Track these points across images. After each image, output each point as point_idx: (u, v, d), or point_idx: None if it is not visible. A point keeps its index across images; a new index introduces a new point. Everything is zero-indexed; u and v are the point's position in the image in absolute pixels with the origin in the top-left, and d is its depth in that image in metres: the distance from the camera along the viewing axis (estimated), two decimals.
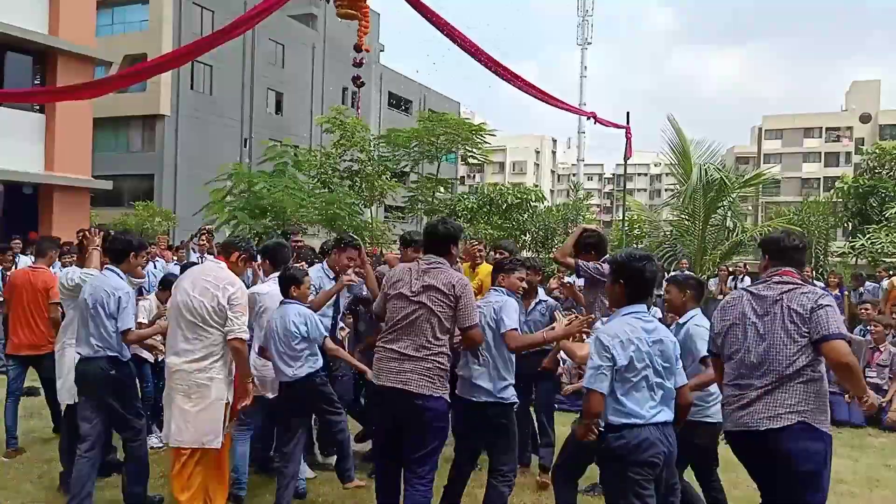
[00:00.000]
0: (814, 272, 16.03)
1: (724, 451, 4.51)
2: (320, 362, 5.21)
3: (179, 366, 4.68)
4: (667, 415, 3.74)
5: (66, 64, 18.68)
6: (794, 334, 3.79)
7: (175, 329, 4.77)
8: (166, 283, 6.45)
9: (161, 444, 6.31)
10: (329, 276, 5.84)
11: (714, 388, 4.55)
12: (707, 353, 4.34)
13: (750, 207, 23.96)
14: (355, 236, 6.30)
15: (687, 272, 14.00)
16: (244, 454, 5.48)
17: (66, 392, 5.52)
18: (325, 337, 5.30)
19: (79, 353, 4.99)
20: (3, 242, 12.07)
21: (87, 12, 19.66)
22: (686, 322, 4.78)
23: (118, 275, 5.02)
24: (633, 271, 3.85)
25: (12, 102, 17.24)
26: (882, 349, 9.03)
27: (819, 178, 72.10)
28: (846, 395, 4.59)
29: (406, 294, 4.38)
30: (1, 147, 17.39)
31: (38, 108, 18.56)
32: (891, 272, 13.87)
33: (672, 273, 5.39)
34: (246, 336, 4.75)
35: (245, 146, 37.51)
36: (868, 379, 8.89)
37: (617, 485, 3.71)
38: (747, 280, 14.31)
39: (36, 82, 18.65)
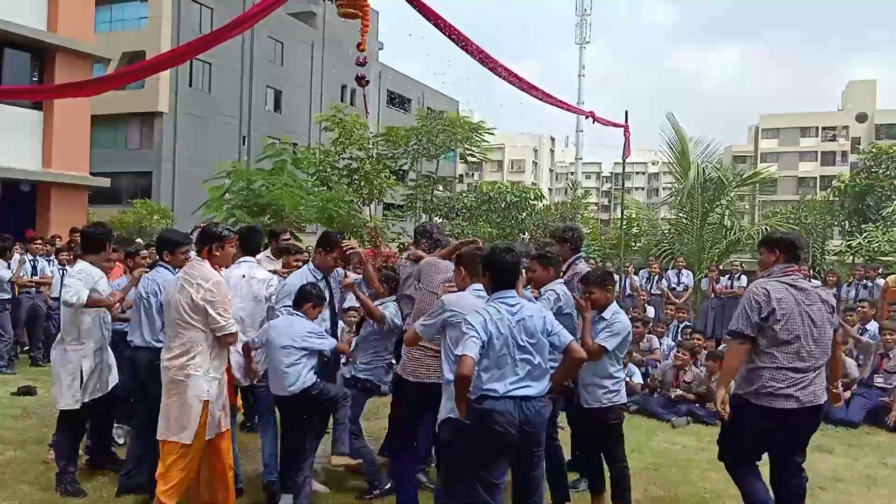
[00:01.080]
0: (811, 271, 16.06)
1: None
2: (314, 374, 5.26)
3: (164, 362, 4.78)
4: (531, 390, 4.10)
5: (65, 61, 18.67)
6: (830, 323, 4.63)
7: (166, 326, 4.90)
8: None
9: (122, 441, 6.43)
10: (317, 277, 5.60)
11: (620, 374, 5.28)
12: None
13: (747, 206, 23.99)
14: (341, 232, 6.23)
15: (685, 271, 14.11)
16: (271, 453, 5.54)
17: (71, 397, 5.50)
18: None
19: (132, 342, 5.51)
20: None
21: (85, 9, 19.65)
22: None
23: (169, 270, 5.43)
24: (496, 263, 4.31)
25: (10, 99, 17.24)
26: (892, 355, 9.02)
27: (816, 178, 72.26)
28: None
29: None
30: None
31: (36, 104, 18.55)
32: (881, 270, 13.87)
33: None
34: (234, 329, 4.77)
35: (244, 144, 37.49)
36: (877, 384, 8.94)
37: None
38: (744, 279, 14.33)
39: (34, 79, 18.64)
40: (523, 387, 4.08)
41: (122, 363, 5.81)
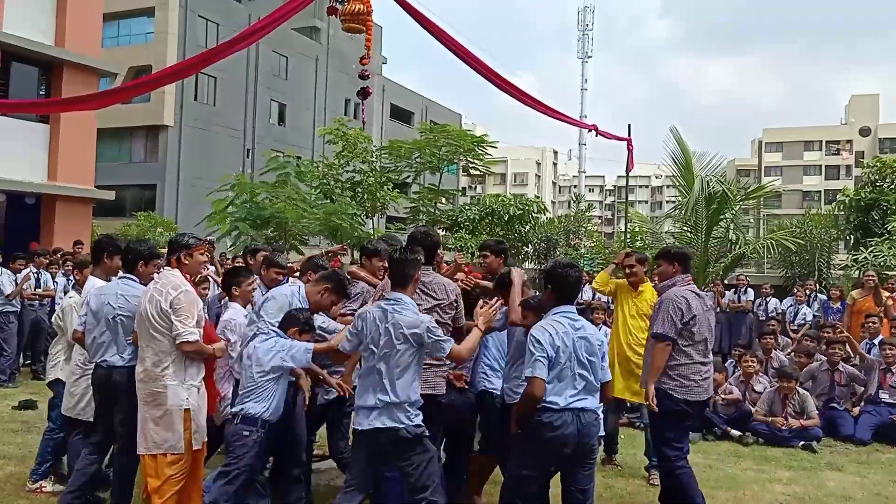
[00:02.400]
0: (817, 285, 15.97)
1: None
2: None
3: (139, 374, 4.74)
4: (588, 402, 4.30)
5: (72, 75, 18.74)
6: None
7: (139, 339, 4.83)
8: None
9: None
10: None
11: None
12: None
13: (752, 220, 23.92)
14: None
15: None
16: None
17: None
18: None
19: None
20: (7, 252, 12.06)
21: (93, 24, 19.75)
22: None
23: (135, 282, 5.26)
24: (559, 278, 4.48)
25: (18, 113, 17.29)
26: (895, 370, 8.97)
27: (820, 191, 72.30)
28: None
29: None
30: (4, 156, 17.41)
31: (42, 118, 18.61)
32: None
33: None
34: (194, 338, 4.64)
35: (248, 157, 37.58)
36: (882, 400, 8.87)
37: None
38: (750, 292, 14.28)
39: (41, 92, 18.70)
40: (580, 399, 4.29)
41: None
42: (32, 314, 11.15)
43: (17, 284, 10.74)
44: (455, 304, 5.08)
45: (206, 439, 4.87)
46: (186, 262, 4.90)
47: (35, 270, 11.31)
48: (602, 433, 4.76)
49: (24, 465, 6.44)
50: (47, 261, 11.67)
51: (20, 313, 10.96)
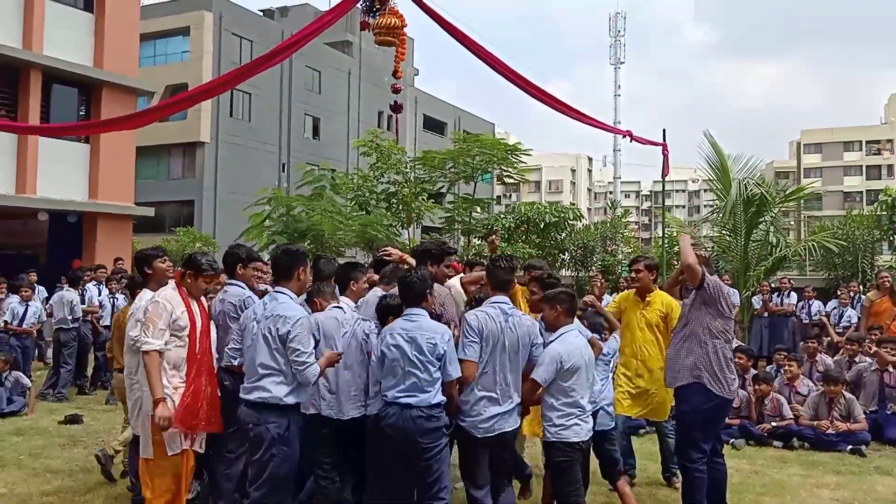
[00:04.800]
0: (860, 286, 15.64)
1: None
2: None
3: (126, 380, 5.09)
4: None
5: (110, 95, 19.14)
6: None
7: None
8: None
9: None
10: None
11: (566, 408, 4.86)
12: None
13: (792, 222, 23.54)
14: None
15: (731, 288, 13.85)
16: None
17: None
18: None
19: None
20: (50, 270, 12.34)
21: (130, 45, 20.16)
22: (551, 341, 4.86)
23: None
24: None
25: (62, 136, 17.69)
26: None
27: (861, 192, 70.91)
28: None
29: None
30: (47, 176, 17.84)
31: (82, 138, 19.02)
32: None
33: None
34: (147, 348, 4.67)
35: (283, 171, 37.94)
36: None
37: None
38: (793, 295, 14.03)
39: (81, 113, 19.12)
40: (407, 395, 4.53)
41: None
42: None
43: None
44: (439, 315, 4.97)
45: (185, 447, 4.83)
46: (188, 281, 4.98)
47: (81, 287, 11.57)
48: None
49: (70, 479, 6.57)
50: (88, 278, 11.92)
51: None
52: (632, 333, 6.25)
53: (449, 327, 4.75)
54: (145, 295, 5.53)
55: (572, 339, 4.83)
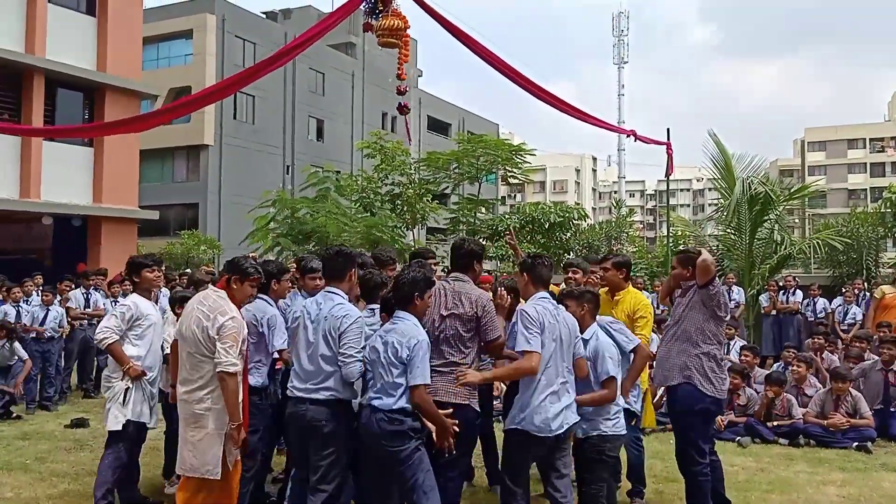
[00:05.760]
0: (865, 284, 15.60)
1: None
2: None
3: (181, 395, 4.69)
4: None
5: (114, 98, 19.19)
6: None
7: (180, 358, 4.78)
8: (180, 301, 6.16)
9: None
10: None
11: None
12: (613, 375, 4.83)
13: (797, 220, 23.50)
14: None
15: (736, 287, 13.83)
16: None
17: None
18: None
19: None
20: (55, 274, 12.34)
21: (133, 48, 20.22)
22: (590, 338, 4.89)
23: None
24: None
25: (65, 138, 17.74)
26: None
27: (866, 189, 70.77)
28: None
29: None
30: (51, 180, 17.90)
31: (86, 141, 19.07)
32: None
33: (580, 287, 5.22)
34: (234, 370, 4.52)
35: (287, 173, 38.00)
36: None
37: None
38: (799, 293, 14.00)
39: (85, 116, 19.18)
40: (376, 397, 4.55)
41: None
42: (81, 333, 11.36)
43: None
44: (476, 318, 4.69)
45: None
46: (234, 286, 4.81)
47: (84, 291, 11.56)
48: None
49: (76, 482, 6.56)
50: (93, 282, 11.91)
51: (71, 334, 11.21)
52: None
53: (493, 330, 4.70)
54: (134, 299, 5.68)
55: (605, 338, 4.95)
